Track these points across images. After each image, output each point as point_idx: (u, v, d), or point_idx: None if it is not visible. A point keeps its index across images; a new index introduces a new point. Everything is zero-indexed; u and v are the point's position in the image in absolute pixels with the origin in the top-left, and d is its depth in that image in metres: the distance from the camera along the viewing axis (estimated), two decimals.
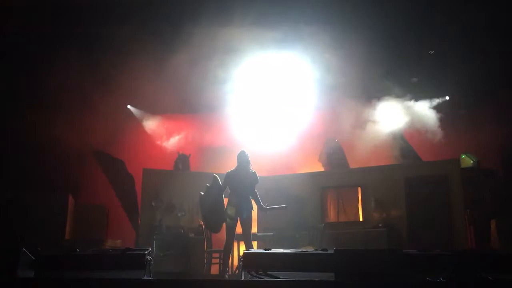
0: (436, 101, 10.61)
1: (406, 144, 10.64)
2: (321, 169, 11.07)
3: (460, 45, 9.69)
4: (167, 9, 9.68)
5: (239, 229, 7.71)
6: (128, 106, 11.78)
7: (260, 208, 7.80)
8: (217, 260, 8.50)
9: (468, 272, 4.36)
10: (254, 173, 7.59)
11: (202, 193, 7.92)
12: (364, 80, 10.11)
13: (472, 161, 9.79)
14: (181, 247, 9.20)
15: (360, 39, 9.37)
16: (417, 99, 10.67)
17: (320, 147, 11.21)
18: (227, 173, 7.60)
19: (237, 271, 8.09)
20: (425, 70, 10.46)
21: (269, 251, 4.82)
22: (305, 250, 5.57)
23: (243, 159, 7.57)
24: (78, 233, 10.20)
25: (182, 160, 11.08)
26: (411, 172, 9.60)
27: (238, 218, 7.43)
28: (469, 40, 9.56)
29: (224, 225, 7.65)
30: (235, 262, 8.44)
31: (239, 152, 7.72)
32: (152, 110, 11.84)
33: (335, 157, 10.93)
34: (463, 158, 9.97)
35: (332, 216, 10.13)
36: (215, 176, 7.85)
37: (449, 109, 10.64)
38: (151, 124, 11.95)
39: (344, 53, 9.79)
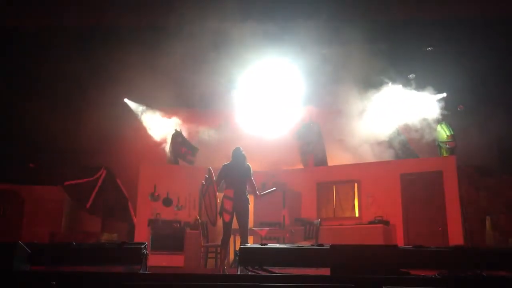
0: (434, 97, 10.61)
1: (403, 140, 10.65)
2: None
3: (459, 42, 9.69)
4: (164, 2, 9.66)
5: (235, 225, 7.68)
6: (125, 100, 11.71)
7: (255, 195, 7.75)
8: (213, 255, 8.51)
9: (463, 268, 4.38)
10: (249, 165, 7.55)
11: (203, 182, 7.90)
12: (362, 75, 10.10)
13: (446, 135, 9.83)
14: (177, 242, 9.20)
15: (358, 32, 9.36)
16: (414, 95, 10.67)
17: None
18: (224, 165, 7.55)
19: (232, 266, 8.09)
20: (423, 66, 10.46)
21: (265, 246, 4.83)
22: (301, 245, 5.59)
23: (238, 154, 7.52)
24: (74, 226, 10.20)
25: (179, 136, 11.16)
26: (407, 168, 9.62)
27: (235, 213, 7.40)
28: (469, 37, 9.55)
29: (219, 219, 7.62)
30: (231, 257, 8.45)
31: (234, 148, 7.68)
32: (149, 103, 11.79)
33: (313, 146, 10.88)
34: (438, 131, 10.01)
35: (328, 211, 10.16)
36: (210, 169, 7.83)
37: (446, 106, 10.64)
38: (148, 118, 11.89)
39: (341, 47, 9.78)
